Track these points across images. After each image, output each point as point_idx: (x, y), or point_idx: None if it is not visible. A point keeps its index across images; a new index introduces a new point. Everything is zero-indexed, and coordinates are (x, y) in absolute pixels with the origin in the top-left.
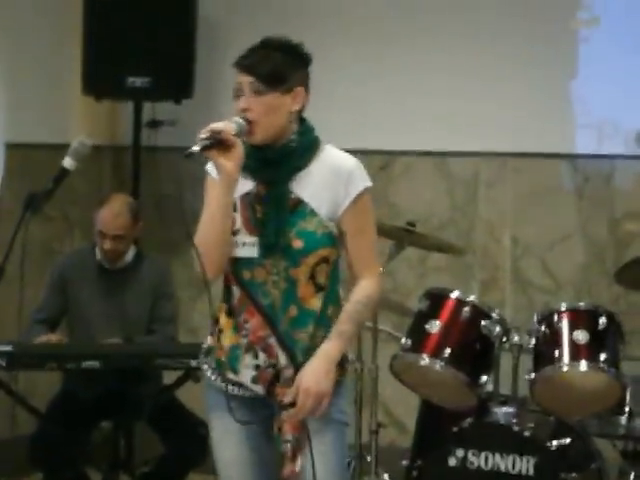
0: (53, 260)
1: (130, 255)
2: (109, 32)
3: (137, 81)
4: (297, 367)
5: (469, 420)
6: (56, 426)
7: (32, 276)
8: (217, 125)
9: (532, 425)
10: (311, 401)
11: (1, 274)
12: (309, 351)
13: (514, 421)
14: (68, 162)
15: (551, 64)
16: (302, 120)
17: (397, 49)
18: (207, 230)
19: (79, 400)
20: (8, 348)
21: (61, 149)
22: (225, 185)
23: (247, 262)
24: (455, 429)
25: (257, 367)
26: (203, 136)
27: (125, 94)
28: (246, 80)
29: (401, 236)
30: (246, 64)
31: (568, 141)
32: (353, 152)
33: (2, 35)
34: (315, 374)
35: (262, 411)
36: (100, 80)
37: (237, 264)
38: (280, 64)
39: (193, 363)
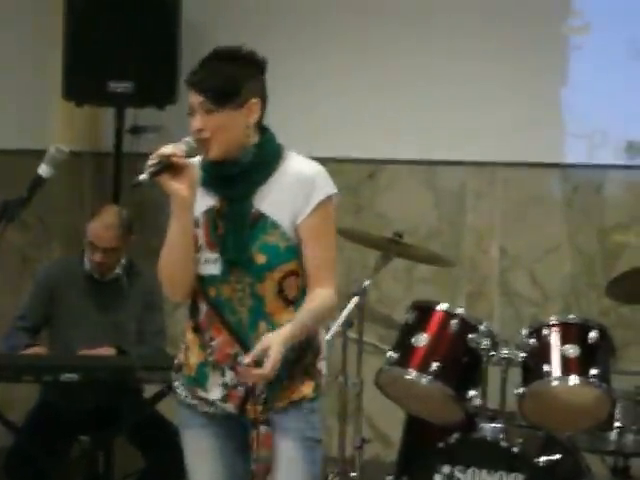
0: (30, 267)
1: (120, 267)
2: (90, 36)
3: (119, 86)
4: (267, 384)
5: (456, 435)
6: (33, 440)
7: (9, 283)
8: (165, 149)
9: (521, 441)
10: (274, 358)
11: None
12: (281, 368)
13: (502, 437)
14: (44, 169)
15: (540, 72)
16: (263, 130)
17: (384, 58)
18: (168, 254)
19: (57, 413)
20: None
21: (41, 155)
22: (181, 209)
23: (211, 279)
24: (441, 444)
25: (225, 385)
26: (151, 162)
27: (107, 100)
28: (196, 100)
29: (388, 247)
30: (195, 81)
31: (557, 150)
32: (340, 160)
33: None
34: (278, 337)
35: (235, 427)
36: (81, 85)
37: (202, 281)
38: (230, 78)
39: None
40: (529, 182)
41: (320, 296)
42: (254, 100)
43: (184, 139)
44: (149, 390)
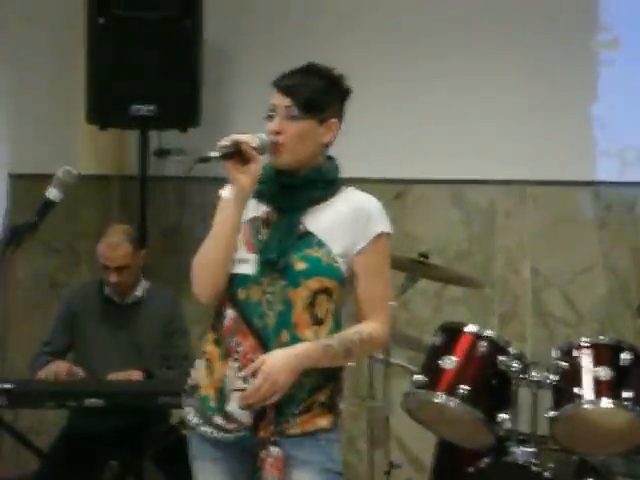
0: (59, 293)
1: (141, 290)
2: (113, 60)
3: (142, 109)
4: (284, 398)
5: (486, 460)
6: (59, 465)
7: (38, 308)
8: (239, 136)
9: (553, 465)
10: (265, 388)
11: None
12: (299, 385)
13: (534, 461)
14: (53, 193)
15: (571, 88)
16: (329, 158)
17: (411, 76)
18: (208, 248)
19: (83, 438)
20: (9, 386)
21: None
22: (237, 200)
23: (243, 279)
24: (472, 469)
25: None
26: (224, 144)
27: (130, 123)
28: (282, 102)
29: (413, 268)
30: (285, 85)
31: (589, 168)
32: (367, 181)
33: (6, 66)
34: (281, 363)
35: (247, 461)
36: (104, 108)
37: (233, 282)
38: (320, 92)
39: None
40: (560, 201)
41: (367, 326)
42: (334, 120)
43: (258, 134)
44: (176, 414)
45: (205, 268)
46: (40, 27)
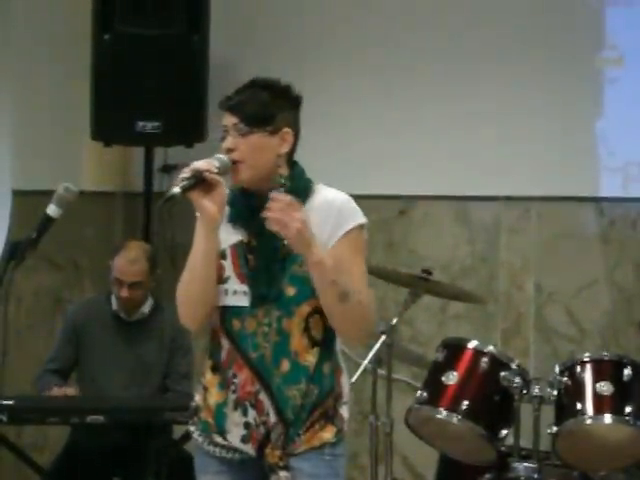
0: (63, 308)
1: (147, 307)
2: (118, 76)
3: (147, 125)
4: (286, 425)
5: (488, 476)
6: None
7: (43, 324)
8: (199, 164)
9: None
10: (287, 212)
11: None
12: (301, 409)
13: (536, 476)
14: (52, 209)
15: (575, 105)
16: (293, 164)
17: (414, 95)
18: (186, 281)
19: (84, 454)
20: (10, 402)
21: None
22: (207, 229)
23: (237, 311)
24: None
25: (247, 425)
26: (184, 176)
27: (135, 139)
28: (230, 121)
29: (417, 284)
30: (230, 105)
31: (593, 184)
32: (371, 197)
33: (11, 82)
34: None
35: (252, 475)
36: (109, 125)
37: (227, 313)
38: (265, 104)
39: None
40: (564, 216)
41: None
42: (287, 130)
43: (216, 155)
44: (178, 429)
45: (184, 302)
46: (45, 44)
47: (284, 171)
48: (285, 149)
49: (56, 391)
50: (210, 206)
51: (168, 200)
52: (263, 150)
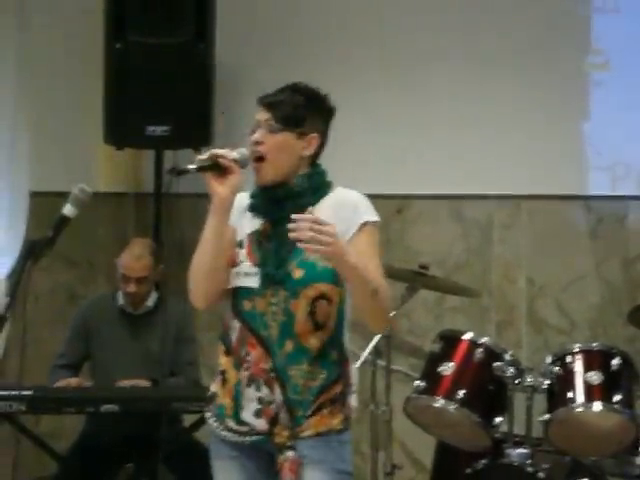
0: (78, 304)
1: (151, 300)
2: (129, 83)
3: (157, 130)
4: (288, 404)
5: (484, 461)
6: (76, 469)
7: (57, 319)
8: (218, 150)
9: (547, 466)
10: (328, 238)
11: (2, 323)
12: (305, 390)
13: (529, 462)
14: (68, 209)
15: (563, 107)
16: (314, 165)
17: (411, 96)
18: (200, 254)
19: (99, 443)
20: (28, 392)
21: None
22: (217, 211)
23: (248, 292)
24: (469, 470)
25: (260, 400)
26: (202, 157)
27: (145, 143)
28: (263, 117)
29: (414, 279)
30: (266, 101)
31: (581, 183)
32: (369, 196)
33: (26, 87)
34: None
35: (263, 460)
36: (121, 129)
37: (238, 294)
38: (299, 107)
39: None
40: (554, 214)
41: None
42: (314, 135)
43: (239, 148)
44: (188, 418)
45: (194, 277)
46: (62, 54)
47: (304, 170)
48: (308, 152)
49: (61, 382)
50: (220, 189)
51: (180, 173)
52: (287, 150)
